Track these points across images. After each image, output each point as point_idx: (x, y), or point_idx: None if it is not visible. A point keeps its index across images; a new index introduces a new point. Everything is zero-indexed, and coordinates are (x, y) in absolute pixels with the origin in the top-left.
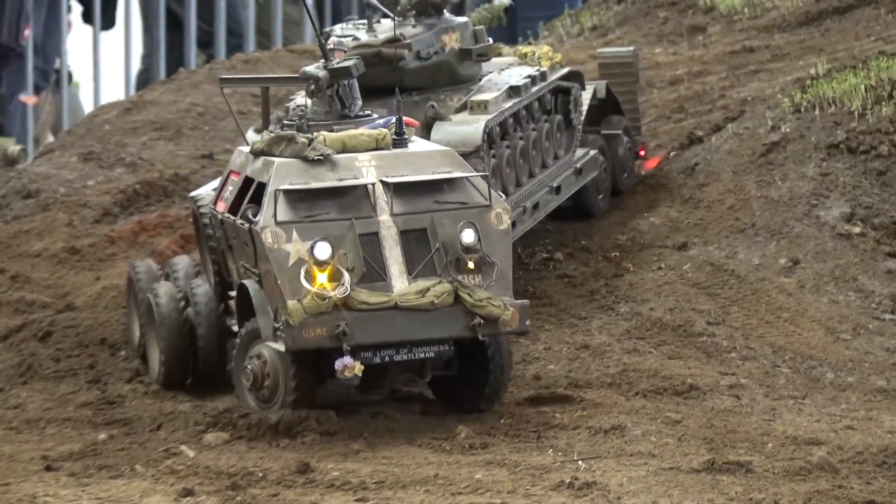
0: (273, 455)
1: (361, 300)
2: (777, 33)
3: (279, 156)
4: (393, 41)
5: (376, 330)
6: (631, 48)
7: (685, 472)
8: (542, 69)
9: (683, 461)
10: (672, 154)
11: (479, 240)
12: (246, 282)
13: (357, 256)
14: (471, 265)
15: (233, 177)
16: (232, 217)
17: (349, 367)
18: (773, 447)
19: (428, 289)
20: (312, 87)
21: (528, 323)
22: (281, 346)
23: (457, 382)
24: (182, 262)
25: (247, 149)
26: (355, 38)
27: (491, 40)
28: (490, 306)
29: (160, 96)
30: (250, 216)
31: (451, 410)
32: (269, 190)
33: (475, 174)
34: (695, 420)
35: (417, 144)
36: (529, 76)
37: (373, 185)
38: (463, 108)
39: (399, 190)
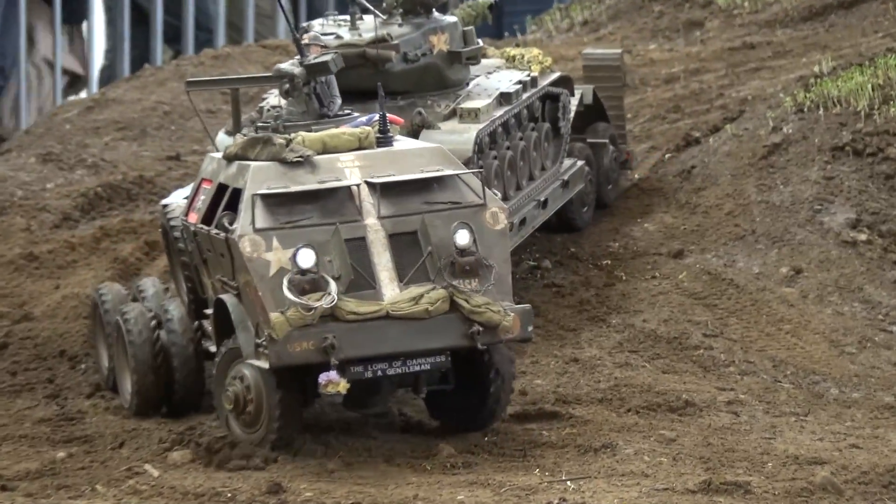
0: (242, 475)
1: (350, 310)
2: (779, 29)
3: (255, 159)
4: (379, 41)
5: (367, 342)
6: (618, 50)
7: (680, 493)
8: (532, 74)
9: (678, 482)
10: (667, 156)
11: (475, 241)
12: (224, 297)
13: (344, 263)
14: (466, 269)
15: (205, 185)
16: (206, 227)
17: (333, 382)
18: (773, 467)
19: (421, 296)
20: (287, 85)
21: (530, 329)
22: (265, 363)
23: (454, 398)
24: (150, 283)
25: (219, 155)
26: (338, 37)
27: (480, 42)
28: (489, 312)
29: (124, 94)
30: (227, 224)
31: (449, 429)
32: (246, 195)
33: (467, 171)
34: (690, 438)
35: (403, 142)
36: (520, 82)
37: (357, 186)
38: (452, 114)
39: (386, 191)
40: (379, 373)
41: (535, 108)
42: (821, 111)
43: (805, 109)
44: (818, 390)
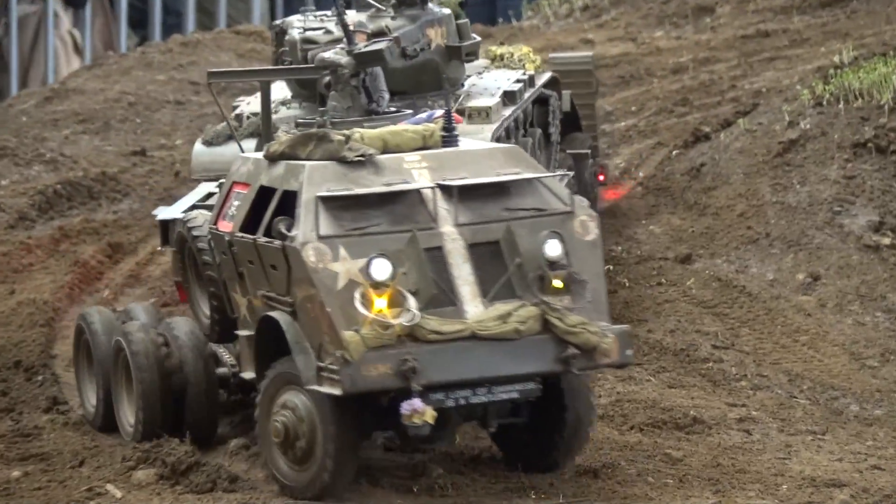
0: (213, 496)
1: (432, 329)
2: (796, 15)
3: (307, 158)
4: (377, 35)
5: (451, 365)
6: (589, 53)
7: None
8: (528, 73)
9: None
10: (674, 153)
11: (567, 253)
12: (274, 314)
13: (422, 276)
14: (557, 284)
15: (237, 189)
16: (248, 236)
17: (419, 412)
18: (787, 489)
19: (509, 314)
20: (328, 78)
21: (629, 353)
22: (335, 390)
23: (525, 433)
24: (140, 309)
25: (253, 155)
26: (327, 32)
27: (477, 37)
28: (586, 333)
29: (85, 83)
30: (283, 230)
31: (522, 467)
32: (304, 198)
33: (554, 174)
34: (698, 458)
35: (469, 142)
36: (520, 80)
37: (431, 189)
38: (459, 115)
39: (463, 195)
40: (462, 401)
41: (529, 111)
42: (841, 105)
43: (824, 103)
44: (837, 407)
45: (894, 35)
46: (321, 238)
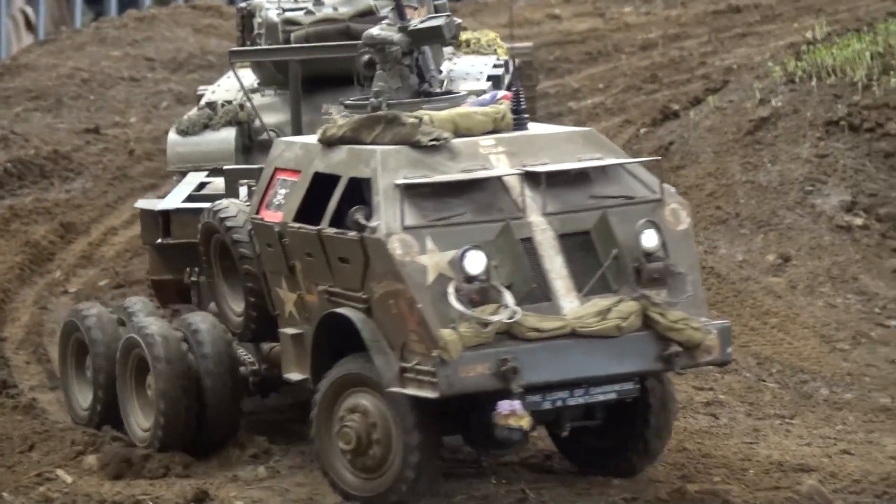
0: (166, 481)
1: (531, 326)
2: None
3: (374, 142)
4: (365, 15)
5: (551, 365)
6: (529, 43)
7: (651, 502)
8: (503, 58)
9: (649, 490)
10: (643, 131)
11: (664, 244)
12: (344, 311)
13: (517, 269)
14: (655, 277)
15: (282, 176)
16: (309, 227)
17: (517, 414)
18: (755, 474)
19: (609, 309)
20: (367, 56)
21: (729, 351)
22: (429, 393)
23: (594, 436)
24: (139, 303)
25: (298, 139)
26: (308, 12)
27: (459, 21)
28: (689, 329)
29: (37, 60)
30: (362, 221)
31: (596, 474)
32: (380, 186)
33: (645, 159)
34: None
35: (541, 126)
36: (498, 65)
37: (519, 176)
38: None
39: (550, 182)
40: (559, 403)
41: None
42: (813, 82)
43: (796, 80)
44: (807, 390)
45: (868, 10)
46: (406, 229)
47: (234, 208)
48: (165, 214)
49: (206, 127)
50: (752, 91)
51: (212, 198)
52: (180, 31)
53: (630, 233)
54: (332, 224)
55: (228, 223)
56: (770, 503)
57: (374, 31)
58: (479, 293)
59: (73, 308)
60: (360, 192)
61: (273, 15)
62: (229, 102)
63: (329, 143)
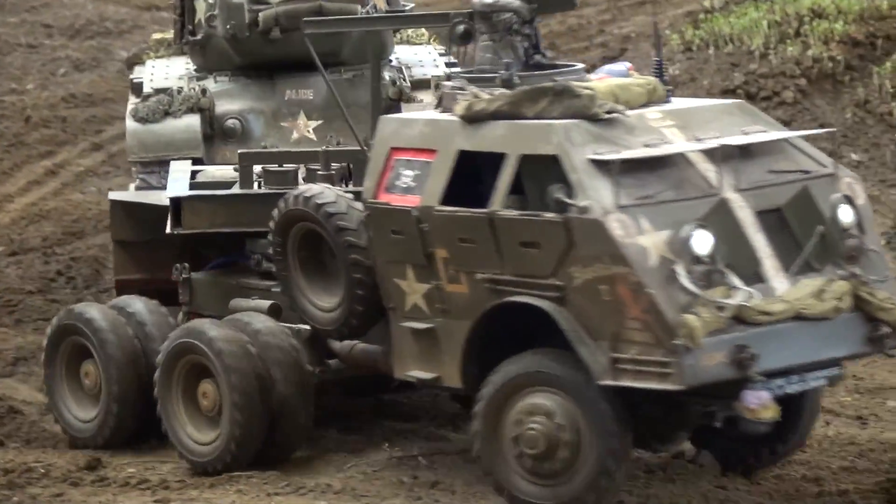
0: (59, 450)
1: (761, 310)
2: None
3: (538, 116)
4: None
5: (782, 351)
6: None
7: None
8: (439, 48)
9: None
10: None
11: (860, 220)
12: (530, 300)
13: (737, 248)
14: (852, 254)
15: (403, 156)
16: (473, 210)
17: (766, 406)
18: None
19: (822, 290)
20: (467, 27)
21: None
22: (668, 385)
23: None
24: (139, 303)
25: (422, 115)
26: None
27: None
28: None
29: None
30: (565, 200)
31: (728, 466)
32: (575, 162)
33: (820, 131)
34: None
35: (689, 99)
36: (442, 54)
37: (710, 150)
38: (419, 86)
39: (741, 157)
40: (777, 390)
41: None
42: (711, 50)
43: (693, 48)
44: None
45: None
46: (621, 208)
47: (332, 193)
48: (176, 203)
49: (166, 114)
50: (650, 60)
51: (220, 185)
52: None
53: (822, 208)
54: (520, 205)
55: (329, 209)
56: None
57: None
58: (705, 276)
59: (67, 309)
60: (535, 169)
61: None
62: (181, 90)
63: (477, 118)
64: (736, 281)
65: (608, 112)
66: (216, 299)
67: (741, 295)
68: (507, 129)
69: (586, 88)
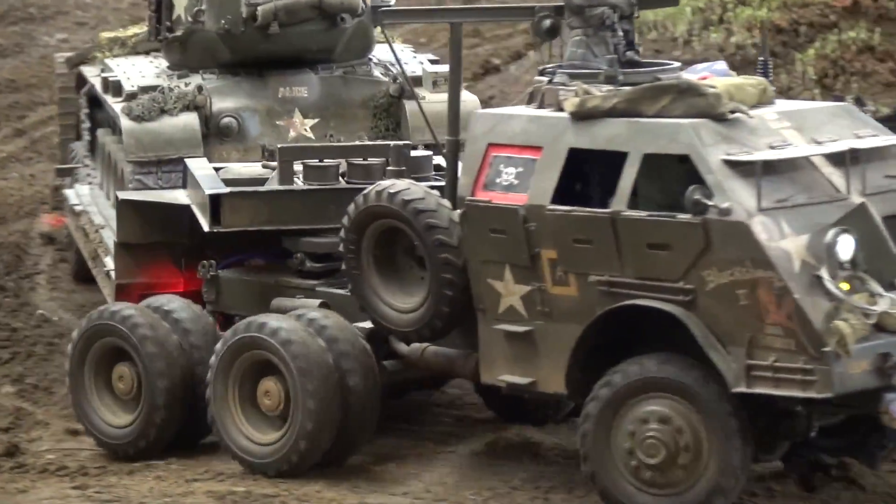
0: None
1: None
2: None
3: (658, 115)
4: None
5: None
6: None
7: None
8: (406, 47)
9: None
10: (463, 86)
11: None
12: (657, 304)
13: (879, 254)
14: None
15: (503, 153)
16: (595, 210)
17: None
18: None
19: None
20: (548, 22)
21: None
22: (816, 393)
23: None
24: (179, 303)
25: (523, 111)
26: None
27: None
28: None
29: None
30: (703, 200)
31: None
32: (711, 163)
33: None
34: None
35: (789, 101)
36: (414, 52)
37: (845, 154)
38: (417, 83)
39: (865, 160)
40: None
41: None
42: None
43: None
44: None
45: None
46: (763, 211)
47: (420, 190)
48: (216, 200)
49: (162, 112)
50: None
51: (252, 182)
52: None
53: None
54: (649, 207)
55: (417, 206)
56: None
57: None
58: (849, 281)
59: (99, 310)
60: (658, 168)
61: None
62: (171, 88)
63: (588, 116)
64: (878, 287)
65: (732, 112)
66: (248, 298)
67: (885, 302)
68: (627, 126)
69: (710, 87)
